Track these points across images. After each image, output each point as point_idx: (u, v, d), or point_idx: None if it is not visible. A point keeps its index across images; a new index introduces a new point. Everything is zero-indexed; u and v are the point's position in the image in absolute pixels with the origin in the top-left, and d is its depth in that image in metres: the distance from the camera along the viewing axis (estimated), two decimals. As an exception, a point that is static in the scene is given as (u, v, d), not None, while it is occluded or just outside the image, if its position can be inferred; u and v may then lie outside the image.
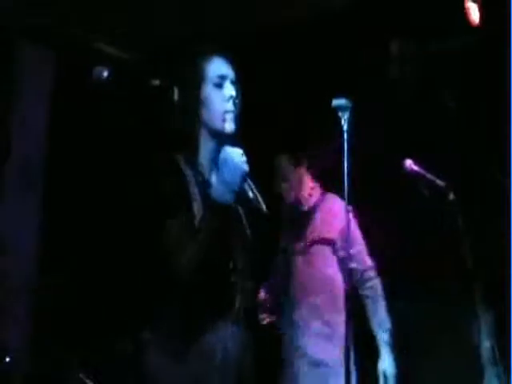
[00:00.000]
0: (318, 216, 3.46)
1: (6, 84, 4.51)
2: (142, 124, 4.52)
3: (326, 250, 3.39)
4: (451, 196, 2.92)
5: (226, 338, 2.18)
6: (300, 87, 4.24)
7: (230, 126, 2.27)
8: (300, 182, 3.52)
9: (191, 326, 2.15)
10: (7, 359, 3.59)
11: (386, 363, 3.26)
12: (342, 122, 2.37)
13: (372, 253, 3.43)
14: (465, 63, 3.61)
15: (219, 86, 2.29)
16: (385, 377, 3.25)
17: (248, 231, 2.28)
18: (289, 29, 4.35)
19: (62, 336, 3.89)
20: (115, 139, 4.77)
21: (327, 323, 3.31)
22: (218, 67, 2.31)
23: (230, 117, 2.27)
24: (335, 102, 2.36)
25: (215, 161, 2.21)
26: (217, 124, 2.27)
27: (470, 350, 2.88)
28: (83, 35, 4.67)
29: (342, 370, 3.01)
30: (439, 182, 3.00)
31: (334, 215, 3.38)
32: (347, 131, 2.37)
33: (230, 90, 2.29)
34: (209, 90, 2.29)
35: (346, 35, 4.13)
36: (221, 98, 2.28)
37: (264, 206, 2.17)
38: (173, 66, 2.40)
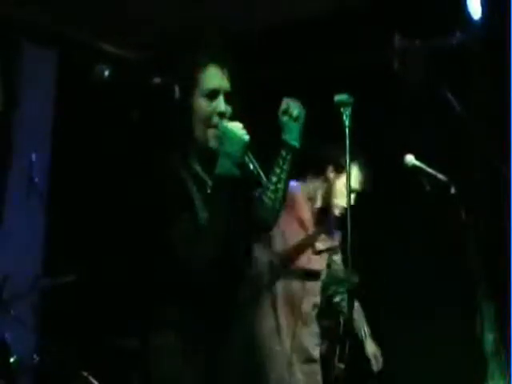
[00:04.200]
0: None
1: (7, 84, 4.52)
2: (143, 122, 4.53)
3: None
4: (453, 190, 2.92)
5: (232, 335, 2.19)
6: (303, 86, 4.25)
7: (212, 143, 2.22)
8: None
9: (202, 324, 2.15)
10: (12, 359, 3.60)
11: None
12: (344, 117, 2.38)
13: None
14: (467, 59, 3.62)
15: (211, 98, 2.22)
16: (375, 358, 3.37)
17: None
18: (290, 25, 4.35)
19: (67, 335, 3.90)
20: (117, 138, 4.78)
21: None
22: (211, 79, 2.23)
23: (214, 133, 2.21)
24: (337, 98, 2.37)
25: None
26: (201, 137, 2.23)
27: (473, 342, 2.89)
28: (84, 34, 4.67)
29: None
30: (440, 177, 3.00)
31: None
32: (349, 127, 2.38)
33: (220, 105, 2.22)
34: (200, 101, 2.22)
35: (347, 32, 4.15)
36: (210, 112, 2.22)
37: (264, 178, 2.19)
38: (170, 68, 2.36)
